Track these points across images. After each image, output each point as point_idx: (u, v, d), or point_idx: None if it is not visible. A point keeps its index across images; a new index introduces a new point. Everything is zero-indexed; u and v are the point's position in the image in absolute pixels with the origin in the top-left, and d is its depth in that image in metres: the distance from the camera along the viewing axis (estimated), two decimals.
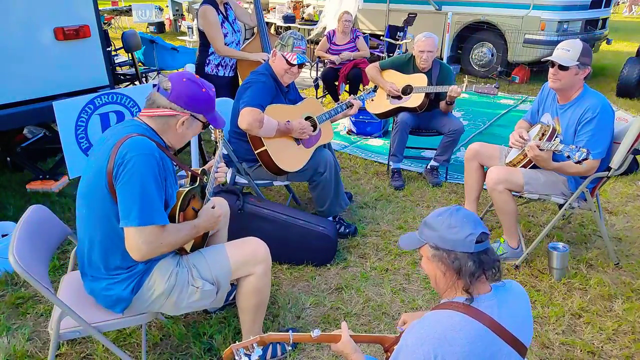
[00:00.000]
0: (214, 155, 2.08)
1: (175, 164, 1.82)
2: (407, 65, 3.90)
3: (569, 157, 2.24)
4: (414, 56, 3.82)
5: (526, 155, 2.74)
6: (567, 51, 2.56)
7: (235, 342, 1.47)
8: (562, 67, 2.55)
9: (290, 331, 1.49)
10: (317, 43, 7.73)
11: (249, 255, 1.93)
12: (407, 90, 3.82)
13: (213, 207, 1.86)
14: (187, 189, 1.83)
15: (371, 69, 4.00)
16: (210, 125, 1.86)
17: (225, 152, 2.95)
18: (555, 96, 2.76)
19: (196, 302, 1.82)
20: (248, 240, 2.01)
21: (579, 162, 2.22)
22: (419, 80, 3.78)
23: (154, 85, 1.78)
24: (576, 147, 2.22)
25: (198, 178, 1.94)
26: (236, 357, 1.46)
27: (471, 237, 1.25)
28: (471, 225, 1.27)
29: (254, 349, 1.47)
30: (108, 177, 1.60)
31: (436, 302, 2.56)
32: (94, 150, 1.73)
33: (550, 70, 2.62)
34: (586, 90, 2.64)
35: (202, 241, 1.98)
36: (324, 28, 7.67)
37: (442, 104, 3.78)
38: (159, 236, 1.63)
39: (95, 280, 1.75)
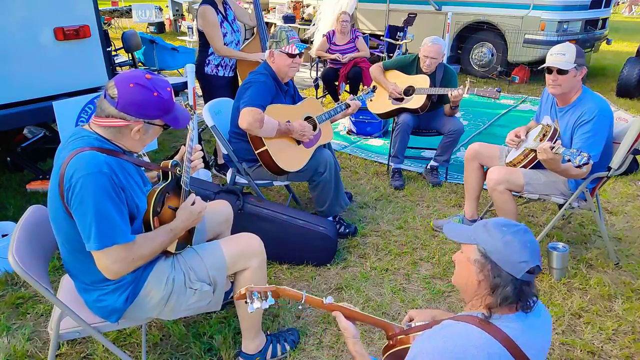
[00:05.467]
0: (186, 145, 1.86)
1: (138, 165, 1.72)
2: (410, 66, 3.90)
3: (569, 160, 2.22)
4: (419, 57, 3.82)
5: (527, 156, 2.74)
6: (563, 55, 2.55)
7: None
8: (561, 72, 2.54)
9: (304, 292, 1.51)
10: (310, 42, 7.74)
11: (243, 248, 1.91)
12: (409, 91, 3.82)
13: (193, 203, 1.77)
14: (158, 189, 1.71)
15: (375, 69, 4.00)
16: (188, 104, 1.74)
17: (225, 152, 2.95)
18: (555, 99, 2.75)
19: (194, 304, 1.80)
20: (241, 235, 2.00)
21: (579, 167, 2.20)
22: (421, 81, 3.78)
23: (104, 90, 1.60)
24: (577, 150, 2.20)
25: (170, 173, 1.79)
26: (248, 300, 1.44)
27: (524, 264, 1.19)
28: (530, 253, 1.20)
29: (267, 298, 1.45)
30: (62, 200, 1.52)
31: (436, 302, 2.56)
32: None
33: (549, 77, 2.60)
34: (585, 92, 2.63)
35: (189, 236, 1.88)
36: (317, 31, 7.65)
37: (447, 108, 3.78)
38: (129, 253, 1.56)
39: (86, 292, 1.71)
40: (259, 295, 1.45)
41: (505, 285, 1.19)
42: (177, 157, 1.94)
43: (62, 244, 1.67)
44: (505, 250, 1.20)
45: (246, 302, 1.46)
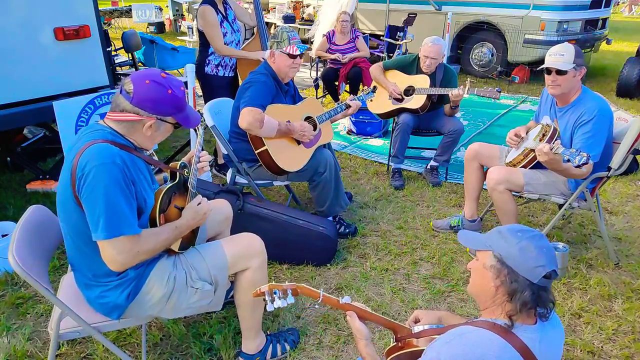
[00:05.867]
0: (195, 148, 1.93)
1: (149, 163, 1.75)
2: (411, 66, 3.90)
3: (568, 160, 2.22)
4: (419, 57, 3.82)
5: (526, 156, 2.74)
6: (562, 55, 2.54)
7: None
8: (560, 72, 2.53)
9: (321, 291, 1.51)
10: (311, 43, 7.74)
11: (245, 248, 1.93)
12: (409, 91, 3.82)
13: (199, 204, 1.80)
14: (166, 188, 1.76)
15: (375, 69, 4.00)
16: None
17: (225, 152, 2.95)
18: (554, 99, 2.75)
19: (195, 303, 1.81)
20: (242, 235, 2.01)
21: (578, 167, 2.20)
22: (421, 81, 3.78)
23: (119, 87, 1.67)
24: (577, 150, 2.20)
25: (177, 173, 1.86)
26: (268, 298, 1.44)
27: (541, 269, 1.19)
28: (546, 258, 1.21)
29: (287, 296, 1.47)
30: (73, 190, 1.55)
31: (436, 302, 2.56)
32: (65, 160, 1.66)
33: (548, 77, 2.59)
34: (585, 92, 2.63)
35: (192, 237, 1.92)
36: (317, 31, 7.65)
37: (447, 108, 3.78)
38: (134, 245, 1.59)
39: (88, 288, 1.73)
40: (280, 294, 1.45)
41: (523, 290, 1.19)
42: (185, 159, 1.98)
43: (69, 236, 1.68)
44: (521, 256, 1.20)
45: (265, 300, 1.46)
